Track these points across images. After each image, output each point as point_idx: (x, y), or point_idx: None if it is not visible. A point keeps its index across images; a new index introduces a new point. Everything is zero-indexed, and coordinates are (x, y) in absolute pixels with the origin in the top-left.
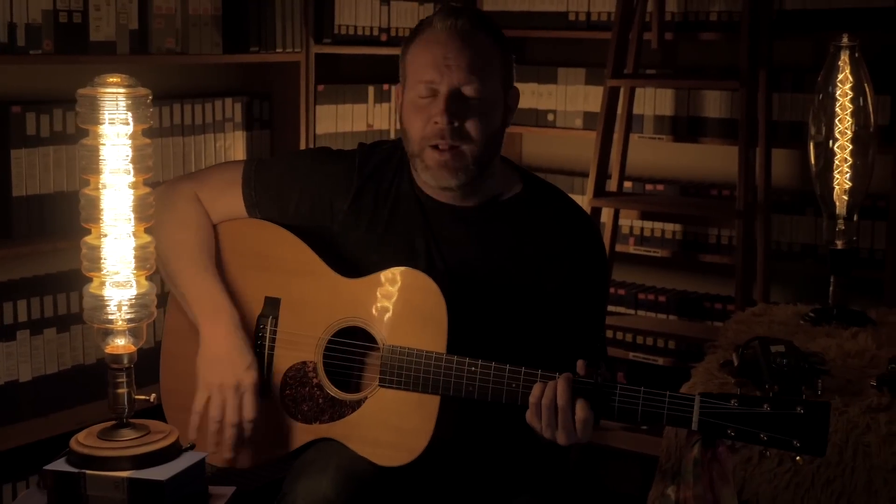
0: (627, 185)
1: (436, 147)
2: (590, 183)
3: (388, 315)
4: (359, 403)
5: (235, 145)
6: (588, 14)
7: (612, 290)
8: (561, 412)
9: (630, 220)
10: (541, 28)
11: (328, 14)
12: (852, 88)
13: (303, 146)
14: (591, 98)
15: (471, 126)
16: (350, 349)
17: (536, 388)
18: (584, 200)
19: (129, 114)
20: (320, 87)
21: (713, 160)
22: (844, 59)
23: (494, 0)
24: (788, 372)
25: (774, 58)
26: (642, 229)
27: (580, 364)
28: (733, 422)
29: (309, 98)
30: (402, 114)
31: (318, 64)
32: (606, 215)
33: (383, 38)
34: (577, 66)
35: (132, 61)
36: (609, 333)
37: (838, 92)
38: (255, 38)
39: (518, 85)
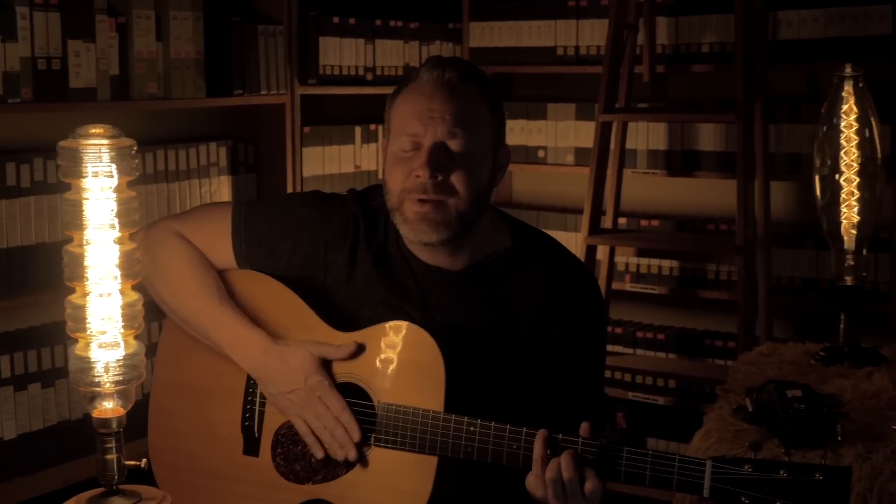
0: (622, 221)
1: (416, 199)
2: (584, 220)
3: (383, 371)
4: (353, 464)
5: (221, 190)
6: (577, 48)
7: (609, 328)
8: (569, 483)
9: (626, 257)
10: (529, 63)
11: (313, 55)
12: (857, 119)
13: (289, 189)
14: (581, 133)
15: (456, 179)
16: None
17: (537, 448)
18: (578, 238)
19: (114, 166)
20: (306, 129)
21: (709, 194)
22: (848, 90)
23: (481, 36)
24: (807, 418)
25: (770, 89)
26: (639, 266)
27: (584, 426)
28: (748, 488)
29: (295, 140)
30: (385, 166)
31: (303, 105)
32: (602, 252)
33: (369, 77)
34: (566, 102)
35: (113, 108)
36: (608, 373)
37: (843, 123)
38: (238, 81)
39: (508, 121)
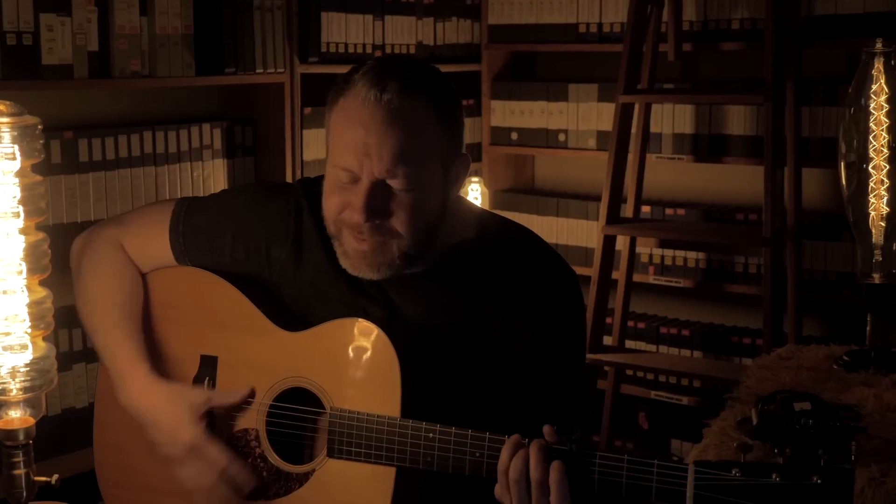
0: (645, 209)
1: (354, 235)
2: (602, 208)
3: (335, 373)
4: (306, 477)
5: (216, 174)
6: (600, 25)
7: (631, 323)
8: (535, 486)
9: (649, 248)
10: (550, 41)
11: (314, 31)
12: (888, 100)
13: (289, 173)
14: (604, 116)
15: (397, 221)
16: (295, 414)
17: (504, 456)
18: (597, 227)
19: (16, 147)
20: (307, 110)
21: (738, 181)
22: (879, 68)
23: (500, 13)
24: (815, 434)
25: (803, 68)
26: (662, 257)
27: (547, 430)
28: (736, 496)
29: (295, 122)
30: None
31: (304, 85)
32: (622, 243)
33: (377, 55)
34: (589, 82)
35: (92, 86)
36: (629, 371)
37: (872, 105)
38: (231, 59)
39: (527, 103)
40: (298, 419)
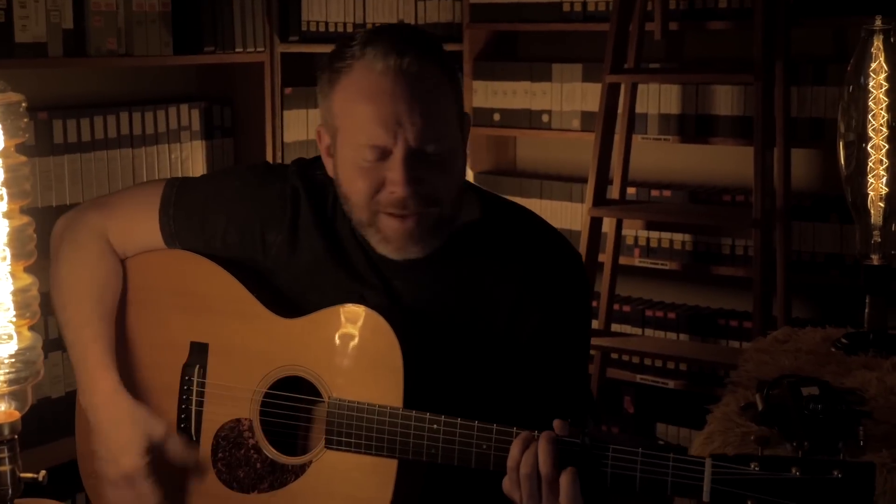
0: (631, 191)
1: (393, 214)
2: (589, 189)
3: (333, 362)
4: (303, 469)
5: (194, 156)
6: (584, 4)
7: (616, 306)
8: (545, 483)
9: (635, 230)
10: (533, 21)
11: (294, 9)
12: (888, 79)
13: (269, 154)
14: (588, 96)
15: (437, 187)
16: (291, 403)
17: (514, 451)
18: (582, 209)
19: None
20: (287, 90)
21: (726, 162)
22: (878, 45)
23: None
24: (824, 420)
25: (792, 48)
26: (648, 239)
27: (558, 423)
28: (755, 490)
29: (275, 102)
30: (336, 170)
31: (284, 64)
32: (608, 225)
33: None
34: (573, 62)
35: (67, 64)
36: (614, 355)
37: (871, 83)
38: (210, 37)
39: (510, 83)
40: (294, 409)
